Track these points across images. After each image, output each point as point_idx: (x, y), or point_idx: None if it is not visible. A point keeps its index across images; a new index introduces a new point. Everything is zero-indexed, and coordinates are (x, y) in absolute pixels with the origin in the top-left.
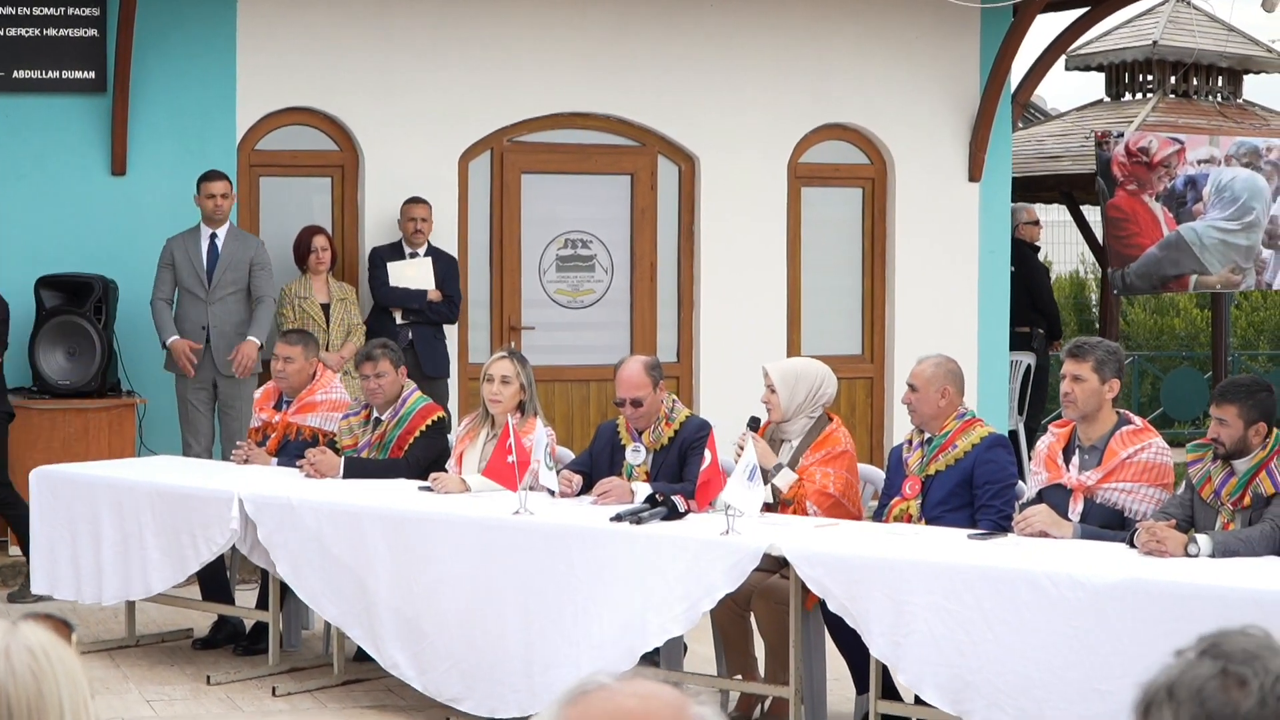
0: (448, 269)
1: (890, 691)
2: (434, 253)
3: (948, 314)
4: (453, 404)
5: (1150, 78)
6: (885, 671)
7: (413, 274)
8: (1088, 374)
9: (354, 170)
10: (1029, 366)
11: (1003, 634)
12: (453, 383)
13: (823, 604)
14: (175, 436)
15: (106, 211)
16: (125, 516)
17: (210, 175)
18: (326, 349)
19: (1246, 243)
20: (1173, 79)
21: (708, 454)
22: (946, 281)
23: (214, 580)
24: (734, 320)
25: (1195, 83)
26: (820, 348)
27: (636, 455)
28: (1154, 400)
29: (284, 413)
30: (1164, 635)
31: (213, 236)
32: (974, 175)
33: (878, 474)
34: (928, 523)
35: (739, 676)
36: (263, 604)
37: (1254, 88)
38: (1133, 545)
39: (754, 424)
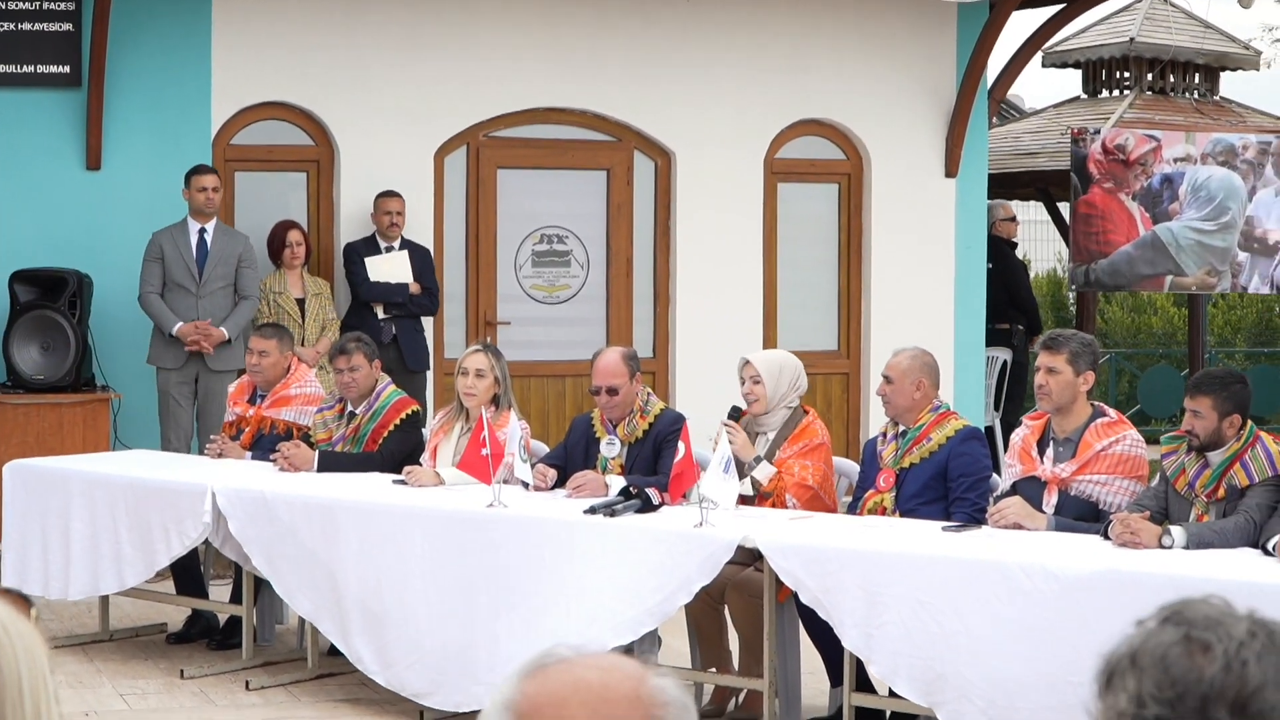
0: (424, 261)
1: (865, 684)
2: (408, 245)
3: (924, 310)
4: (428, 398)
5: (1127, 75)
6: (859, 664)
7: (390, 268)
8: (1062, 366)
9: (329, 165)
10: (1005, 363)
11: (975, 626)
12: (428, 377)
13: (796, 597)
14: (150, 431)
15: (81, 206)
16: (98, 510)
17: (201, 169)
18: (302, 344)
19: (1222, 244)
20: (1150, 76)
21: (681, 446)
22: (923, 277)
23: (188, 575)
24: (710, 316)
25: (1172, 80)
26: (796, 343)
27: (611, 448)
28: (1131, 398)
29: (258, 406)
30: None
31: (201, 231)
32: (950, 171)
33: (852, 467)
34: (902, 515)
35: (713, 670)
36: (236, 598)
37: (1231, 85)
38: (1107, 537)
39: (735, 414)
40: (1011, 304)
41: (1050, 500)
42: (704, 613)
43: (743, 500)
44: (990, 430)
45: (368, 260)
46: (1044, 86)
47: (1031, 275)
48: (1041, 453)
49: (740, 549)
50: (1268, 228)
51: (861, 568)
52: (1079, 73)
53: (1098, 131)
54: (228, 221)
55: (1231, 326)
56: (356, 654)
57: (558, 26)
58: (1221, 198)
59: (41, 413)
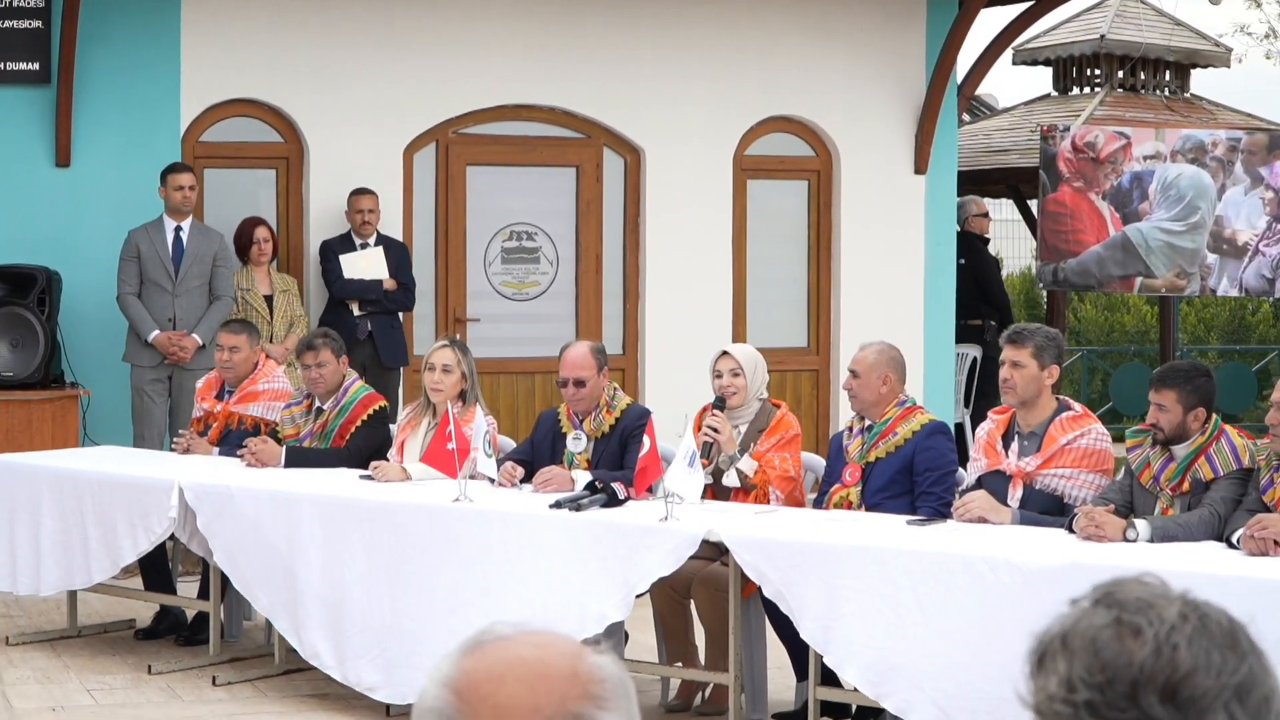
0: (400, 257)
1: (830, 678)
2: (384, 241)
3: (893, 306)
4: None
5: (1098, 72)
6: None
7: (365, 264)
8: (1027, 360)
9: (299, 162)
10: (975, 359)
11: (935, 618)
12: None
13: (762, 590)
14: (119, 427)
15: (51, 203)
16: (66, 506)
17: (177, 167)
18: (270, 340)
19: (1192, 245)
20: (1120, 73)
21: (646, 441)
22: (892, 274)
23: (156, 571)
24: (679, 312)
25: (1143, 77)
26: (766, 340)
27: (577, 443)
28: (1104, 396)
29: (226, 402)
30: None
31: (178, 230)
32: (920, 168)
33: (819, 461)
34: (868, 510)
35: (679, 664)
36: (204, 594)
37: (1201, 82)
38: (1071, 530)
39: (721, 405)
40: (984, 300)
41: (1015, 494)
42: (670, 607)
43: (738, 494)
44: (960, 427)
45: (343, 257)
46: (1015, 84)
47: (1005, 273)
48: (1006, 447)
49: (706, 543)
50: (1236, 228)
51: (825, 561)
52: (1050, 70)
53: (1067, 129)
54: (196, 218)
55: (1205, 324)
56: (313, 649)
57: (527, 23)
58: (1191, 197)
59: (10, 409)
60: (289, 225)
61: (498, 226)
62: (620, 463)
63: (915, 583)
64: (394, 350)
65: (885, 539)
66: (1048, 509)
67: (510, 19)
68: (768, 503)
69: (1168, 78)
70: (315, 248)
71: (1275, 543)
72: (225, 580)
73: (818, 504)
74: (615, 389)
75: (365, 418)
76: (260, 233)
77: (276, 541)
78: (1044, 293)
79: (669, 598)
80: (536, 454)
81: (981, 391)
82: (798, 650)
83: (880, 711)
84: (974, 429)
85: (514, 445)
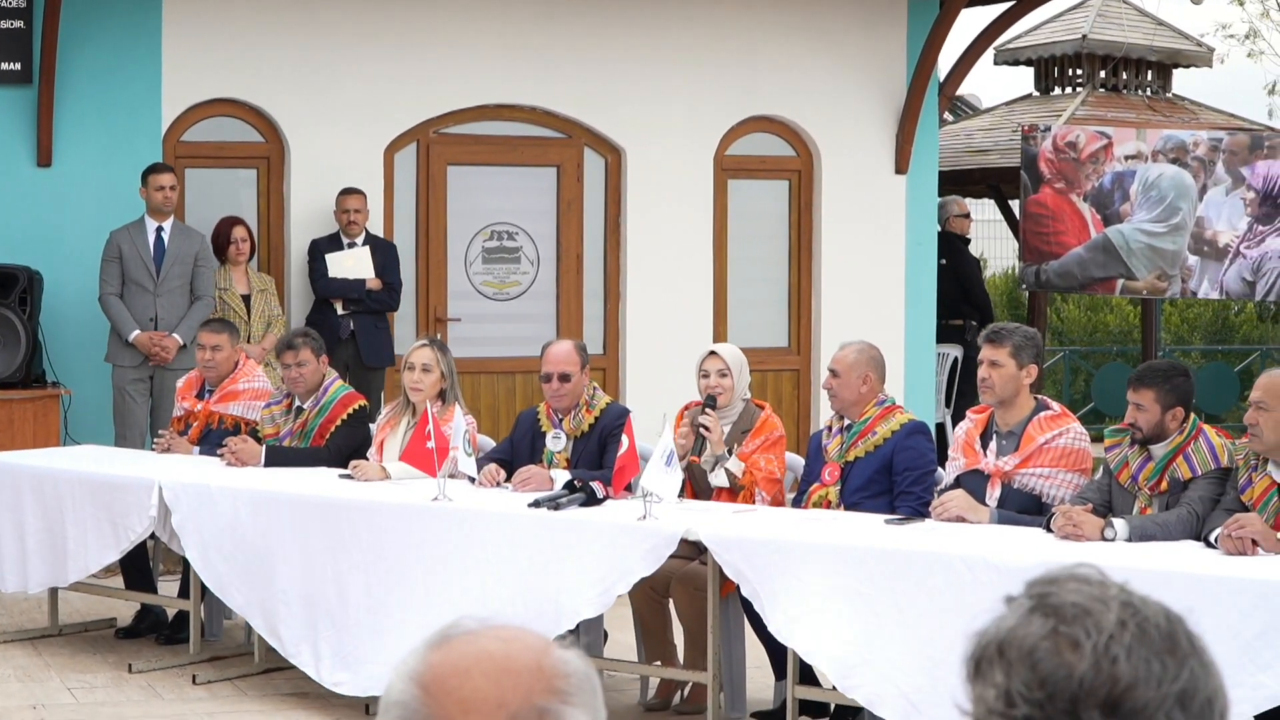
0: (387, 256)
1: (809, 677)
2: (372, 241)
3: (874, 306)
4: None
5: (1079, 72)
6: None
7: (351, 264)
8: (1005, 359)
9: (280, 162)
10: (956, 359)
11: (912, 616)
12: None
13: (740, 590)
14: (100, 427)
15: (32, 202)
16: (47, 505)
17: (157, 168)
18: (248, 340)
19: (1173, 247)
20: (1102, 73)
21: (625, 440)
22: (873, 274)
23: (137, 570)
24: (660, 312)
25: (1125, 77)
26: (747, 340)
27: (557, 442)
28: (1086, 396)
29: (206, 401)
30: None
31: (159, 229)
32: (901, 168)
33: (801, 462)
34: (847, 509)
35: (658, 663)
36: (185, 593)
37: (1183, 82)
38: (1049, 530)
39: (713, 403)
40: (965, 300)
41: (993, 493)
42: (649, 607)
43: (725, 494)
44: (941, 427)
45: (329, 256)
46: (998, 84)
47: (988, 274)
48: (985, 446)
49: (685, 542)
50: (1218, 229)
51: (803, 560)
52: (1031, 70)
53: (1048, 128)
54: (178, 218)
55: (1188, 325)
56: (293, 648)
57: (508, 23)
58: (1172, 198)
59: None
60: (270, 225)
61: (478, 226)
62: (599, 462)
63: (893, 582)
64: (377, 350)
65: (863, 538)
66: (1026, 508)
67: (491, 19)
68: (753, 504)
69: (1150, 78)
70: (296, 247)
71: (1253, 542)
72: None
73: (796, 503)
74: (595, 388)
75: (345, 417)
76: (238, 232)
77: (255, 540)
78: (1026, 293)
79: (648, 597)
80: (516, 453)
81: (962, 391)
82: (776, 649)
83: (858, 710)
84: (955, 429)
85: (494, 445)
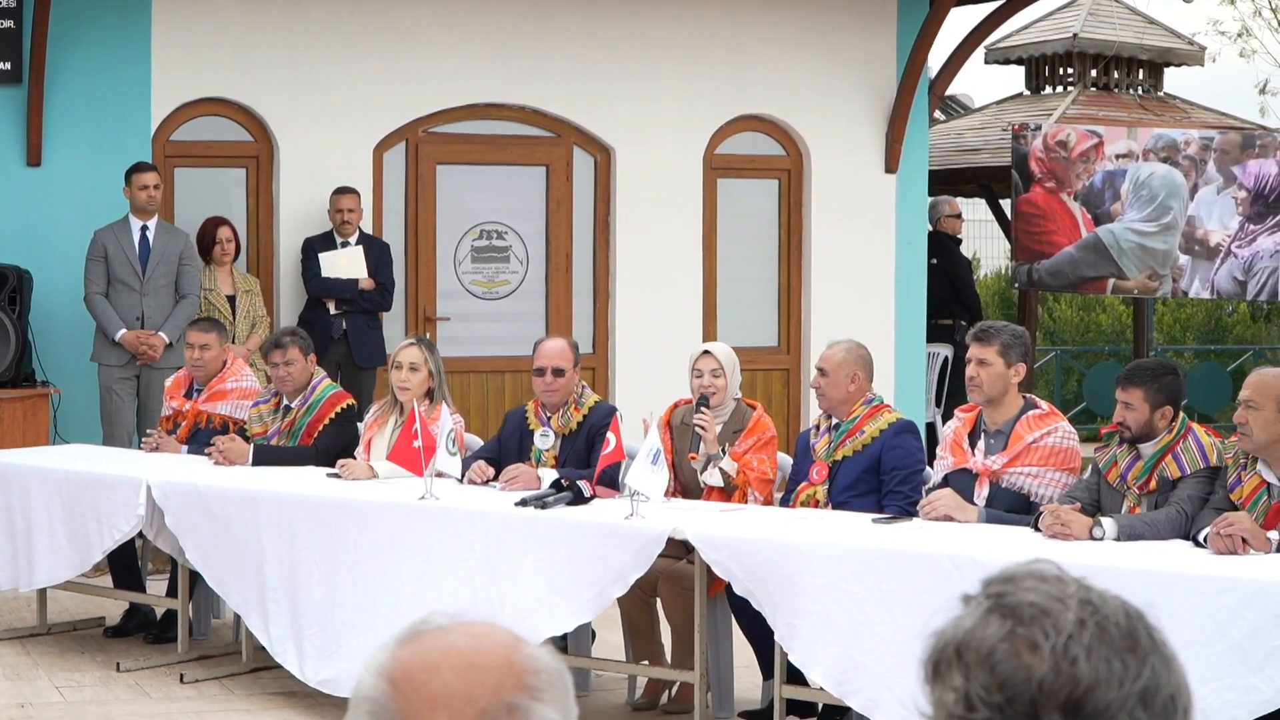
0: (381, 256)
1: (796, 676)
2: (366, 240)
3: (864, 306)
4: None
5: (1070, 70)
6: None
7: (345, 263)
8: (993, 358)
9: (269, 161)
10: (946, 359)
11: (900, 616)
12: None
13: (729, 589)
14: (89, 426)
15: (22, 202)
16: (34, 504)
17: (141, 167)
18: (232, 341)
19: (1164, 246)
20: (1093, 72)
21: (611, 438)
22: (863, 273)
23: (125, 569)
24: (650, 311)
25: (1116, 76)
26: (736, 339)
27: (545, 440)
28: (1078, 396)
29: (195, 401)
30: None
31: (144, 229)
32: (890, 167)
33: (789, 462)
34: (835, 508)
35: (646, 662)
36: (173, 592)
37: (1174, 81)
38: (1037, 529)
39: (705, 403)
40: (956, 300)
41: (981, 492)
42: (636, 606)
43: (717, 493)
44: (931, 427)
45: (322, 255)
46: (989, 83)
47: (980, 274)
48: (973, 445)
49: (673, 541)
50: (1209, 228)
51: (790, 559)
52: (1022, 69)
53: (1038, 127)
54: (167, 218)
55: (1181, 325)
56: (281, 647)
57: (497, 22)
58: (1163, 197)
59: None
60: (259, 224)
61: (468, 225)
62: (587, 460)
63: (880, 580)
64: (369, 350)
65: (850, 537)
66: (1014, 507)
67: (480, 18)
68: (745, 504)
69: (1141, 77)
70: (286, 247)
71: (1243, 541)
72: (194, 578)
73: (784, 502)
74: (584, 387)
75: (333, 416)
76: (223, 232)
77: (244, 539)
78: (1018, 292)
79: (635, 596)
80: (504, 452)
81: (952, 391)
82: (764, 648)
83: (846, 710)
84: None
85: (481, 444)
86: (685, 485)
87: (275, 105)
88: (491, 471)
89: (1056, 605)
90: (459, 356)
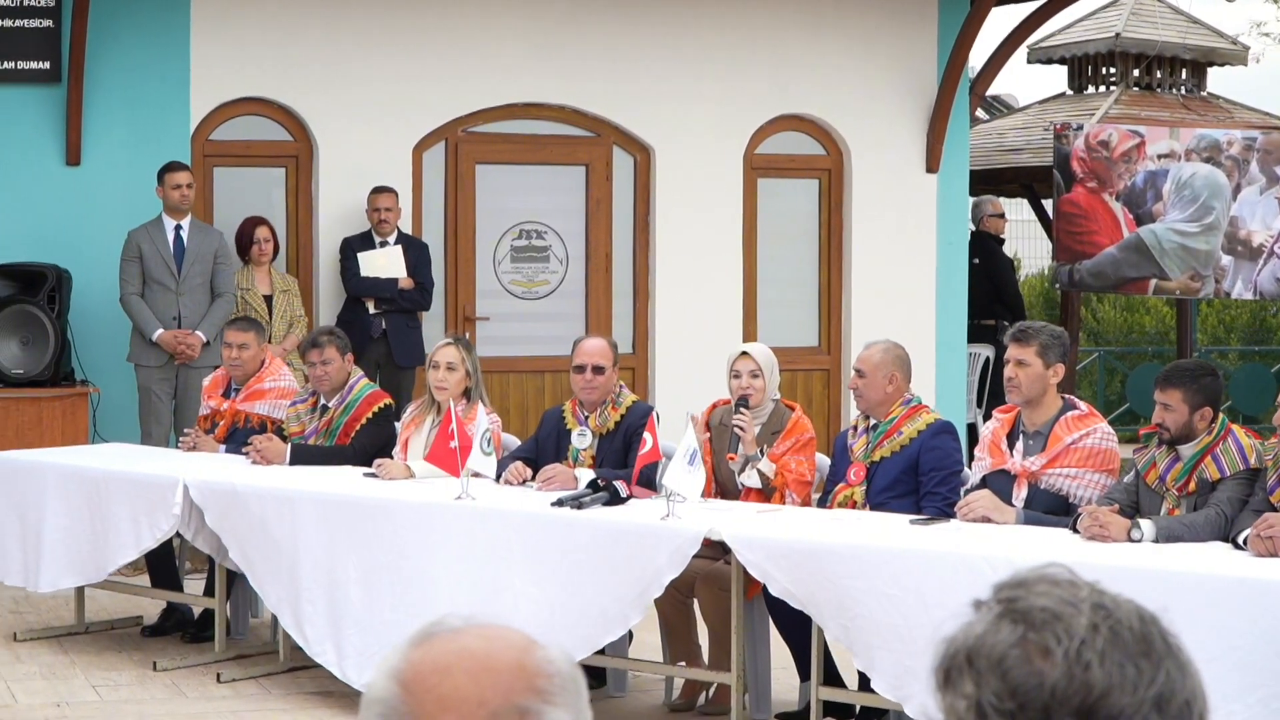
0: (420, 256)
1: (833, 678)
2: (405, 240)
3: (905, 306)
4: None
5: (1113, 70)
6: (828, 658)
7: (383, 263)
8: (1032, 359)
9: (308, 161)
10: (988, 359)
11: (941, 620)
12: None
13: (766, 591)
14: (128, 425)
15: (61, 201)
16: (72, 503)
17: (173, 166)
18: (269, 340)
19: (1206, 247)
20: (1136, 72)
21: (648, 438)
22: (904, 273)
23: (163, 568)
24: (689, 312)
25: (1159, 75)
26: (776, 339)
27: (582, 439)
28: (1122, 397)
29: (233, 400)
30: None
31: (178, 228)
32: (931, 166)
33: (825, 461)
34: (872, 509)
35: (683, 663)
36: (211, 591)
37: (1218, 80)
38: (1075, 531)
39: (745, 404)
40: (998, 300)
41: (1020, 494)
42: (673, 606)
43: (754, 495)
44: (973, 427)
45: (361, 255)
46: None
47: (1022, 274)
48: (1011, 446)
49: (711, 542)
50: (1251, 229)
51: (828, 561)
52: (1065, 69)
53: (1080, 127)
54: (206, 218)
55: (1225, 326)
56: (319, 647)
57: (537, 21)
58: (1205, 197)
59: (21, 407)
60: (298, 224)
61: (507, 225)
62: (624, 460)
63: (919, 582)
64: (408, 349)
65: (887, 538)
66: (1053, 509)
67: (520, 17)
68: (782, 505)
69: (1184, 76)
70: (325, 246)
71: None
72: (231, 577)
73: (822, 503)
74: (621, 386)
75: (370, 415)
76: (261, 232)
77: (281, 538)
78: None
79: (672, 597)
80: (541, 451)
81: (994, 392)
82: (801, 650)
83: (884, 712)
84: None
85: (518, 444)
86: (723, 486)
87: (314, 105)
88: (529, 473)
89: (1069, 610)
90: (498, 356)
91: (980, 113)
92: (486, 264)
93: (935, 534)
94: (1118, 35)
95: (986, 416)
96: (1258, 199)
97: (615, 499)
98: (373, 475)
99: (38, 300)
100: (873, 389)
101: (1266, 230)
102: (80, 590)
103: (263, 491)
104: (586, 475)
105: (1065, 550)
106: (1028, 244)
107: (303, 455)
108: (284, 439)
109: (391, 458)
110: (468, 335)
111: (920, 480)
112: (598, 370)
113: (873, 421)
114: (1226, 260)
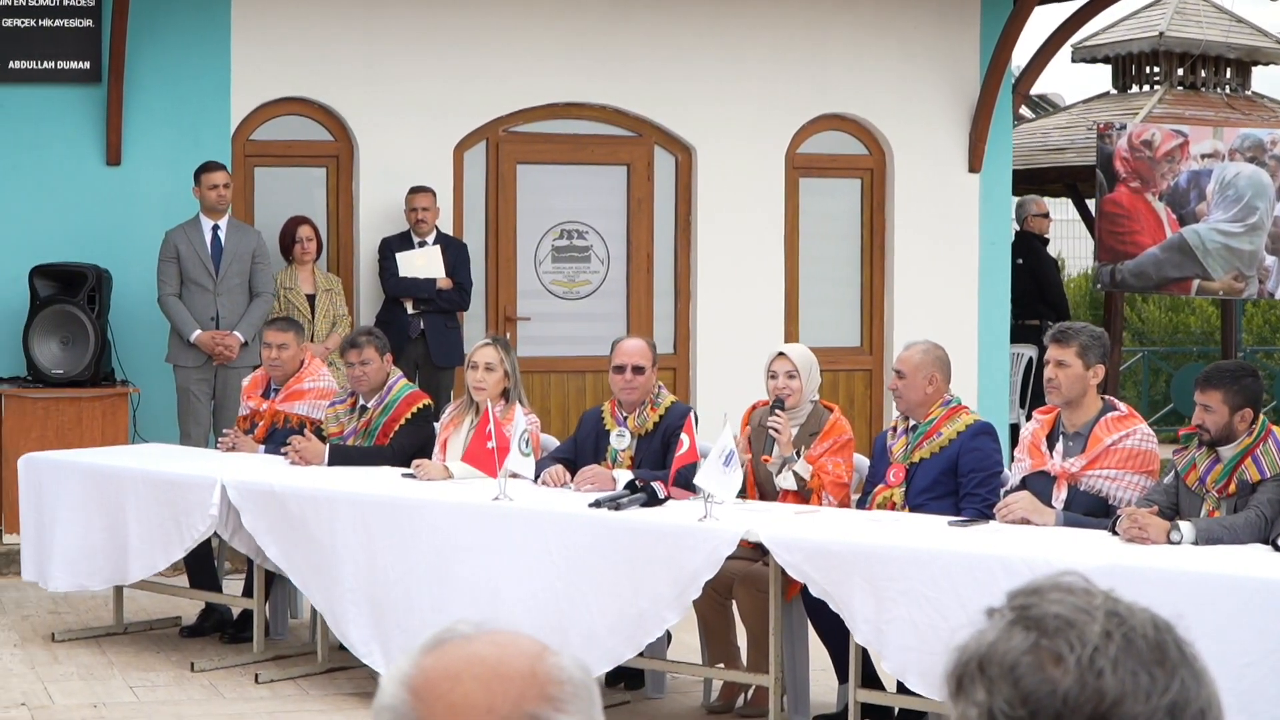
0: (459, 256)
1: (872, 680)
2: (444, 240)
3: (948, 306)
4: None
5: (1157, 69)
6: (867, 660)
7: (422, 263)
8: (1072, 359)
9: (349, 160)
10: (1031, 359)
11: (979, 621)
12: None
13: (805, 592)
14: (168, 425)
15: (101, 201)
16: (110, 504)
17: (210, 166)
18: (312, 339)
19: (1250, 247)
20: (1180, 71)
21: (685, 439)
22: (946, 273)
23: (201, 568)
24: (731, 312)
25: (1203, 74)
26: (818, 339)
27: (621, 440)
28: (1166, 397)
29: (272, 400)
30: None
31: (215, 228)
32: (974, 166)
33: (864, 462)
34: (912, 510)
35: (721, 665)
36: (249, 592)
37: (1262, 79)
38: (1115, 532)
39: (781, 405)
40: (1042, 299)
41: (1059, 495)
42: (712, 608)
43: (791, 496)
44: (1015, 428)
45: (399, 255)
46: (1077, 82)
47: (1066, 274)
48: (1051, 447)
49: (749, 544)
50: None
51: (866, 562)
52: (1109, 68)
53: (1124, 126)
54: (247, 218)
55: (1270, 326)
56: (366, 649)
57: (578, 21)
58: (1249, 197)
59: (61, 407)
60: (339, 224)
61: (548, 225)
62: (663, 461)
63: (957, 584)
64: (447, 350)
65: (925, 540)
66: (1092, 510)
67: (561, 17)
68: (819, 506)
69: (1228, 75)
70: (365, 246)
71: None
72: (270, 578)
73: (861, 504)
74: (660, 387)
75: (409, 416)
76: (304, 232)
77: (321, 538)
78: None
79: (711, 598)
80: (580, 452)
81: (1037, 392)
82: (840, 652)
83: (922, 714)
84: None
85: (556, 445)
86: (762, 488)
87: (355, 104)
88: (568, 476)
89: (1082, 617)
90: (539, 356)
91: (1026, 111)
92: (528, 264)
93: (974, 536)
94: (1161, 34)
95: (1029, 417)
96: None
97: (653, 500)
98: (411, 476)
99: (78, 300)
100: (912, 390)
101: None
102: (119, 591)
103: (301, 492)
104: (624, 476)
105: (1105, 552)
106: (1071, 244)
107: (341, 456)
108: (323, 439)
109: (430, 458)
110: (508, 335)
111: (959, 482)
112: (637, 370)
113: (912, 422)
114: (1270, 261)
